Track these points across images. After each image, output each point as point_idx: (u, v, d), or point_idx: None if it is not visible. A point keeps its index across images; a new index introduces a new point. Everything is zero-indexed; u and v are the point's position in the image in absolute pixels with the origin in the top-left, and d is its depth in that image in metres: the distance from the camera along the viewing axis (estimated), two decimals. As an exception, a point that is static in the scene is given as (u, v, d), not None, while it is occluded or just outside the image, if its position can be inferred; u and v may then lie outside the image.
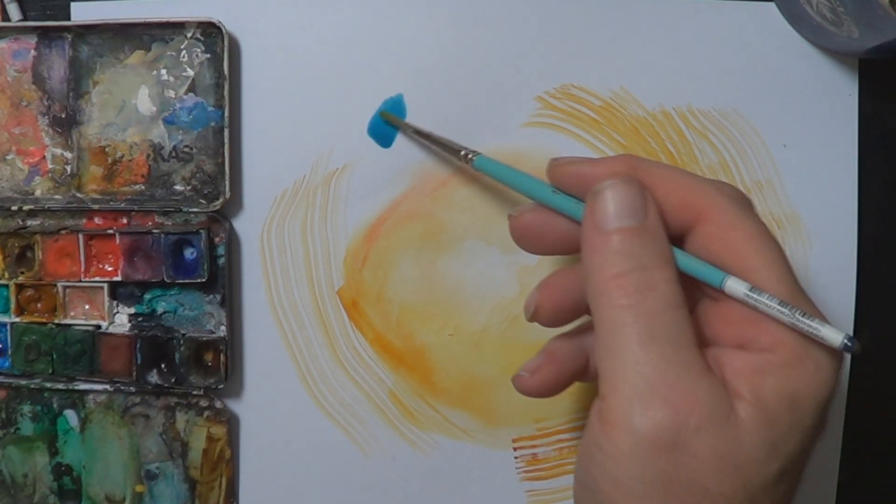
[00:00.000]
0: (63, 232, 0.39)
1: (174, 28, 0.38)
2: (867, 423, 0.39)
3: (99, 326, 0.39)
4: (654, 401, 0.24)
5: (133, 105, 0.39)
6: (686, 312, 0.25)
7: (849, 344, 0.24)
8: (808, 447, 0.25)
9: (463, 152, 0.34)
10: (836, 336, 0.24)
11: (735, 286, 0.25)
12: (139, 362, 0.39)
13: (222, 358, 0.39)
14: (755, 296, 0.25)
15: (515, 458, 0.40)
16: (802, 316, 0.24)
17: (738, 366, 0.25)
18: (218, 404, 0.39)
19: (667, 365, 0.24)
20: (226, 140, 0.38)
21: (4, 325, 0.40)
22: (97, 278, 0.39)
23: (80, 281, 0.39)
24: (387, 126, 0.39)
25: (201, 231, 0.38)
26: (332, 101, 0.39)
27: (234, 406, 0.40)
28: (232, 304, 0.39)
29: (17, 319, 0.40)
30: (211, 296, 0.39)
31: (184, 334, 0.39)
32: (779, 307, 0.24)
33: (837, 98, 0.38)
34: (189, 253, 0.39)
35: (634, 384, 0.24)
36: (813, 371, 0.24)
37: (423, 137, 0.37)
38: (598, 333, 0.25)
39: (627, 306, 0.25)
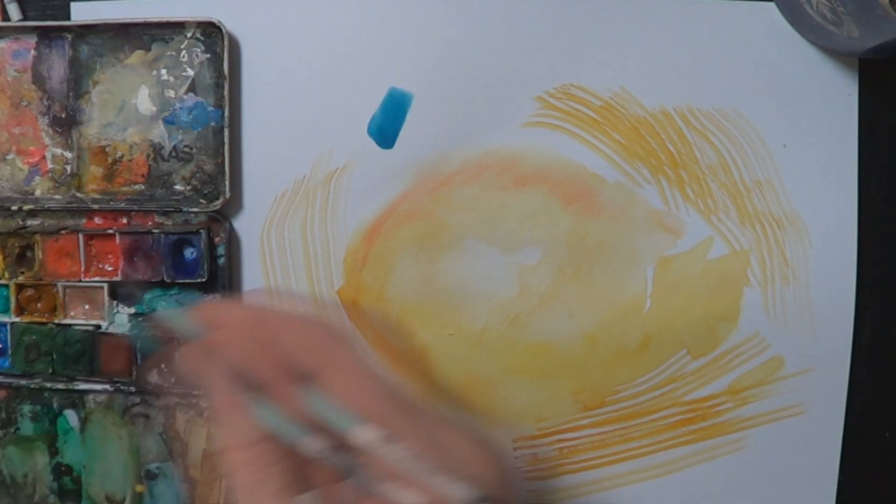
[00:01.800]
0: (63, 232, 0.39)
1: (174, 28, 0.38)
2: (867, 423, 0.39)
3: (99, 326, 0.39)
4: None
5: (133, 105, 0.39)
6: (280, 474, 0.26)
7: (477, 500, 0.23)
8: None
9: None
10: (461, 492, 0.23)
11: (361, 434, 0.25)
12: (139, 362, 0.39)
13: (222, 358, 0.39)
14: (381, 447, 0.24)
15: (515, 458, 0.40)
16: (424, 471, 0.24)
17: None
18: (218, 404, 0.39)
19: None
20: (226, 140, 0.38)
21: (4, 325, 0.40)
22: (97, 278, 0.39)
23: (80, 281, 0.39)
24: (390, 115, 0.39)
25: (201, 231, 0.38)
26: (332, 101, 0.39)
27: (234, 406, 0.40)
28: (232, 304, 0.39)
29: (17, 319, 0.40)
30: (211, 296, 0.39)
31: (184, 334, 0.39)
32: (401, 463, 0.24)
33: (837, 98, 0.38)
34: (189, 253, 0.39)
35: None
36: None
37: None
38: None
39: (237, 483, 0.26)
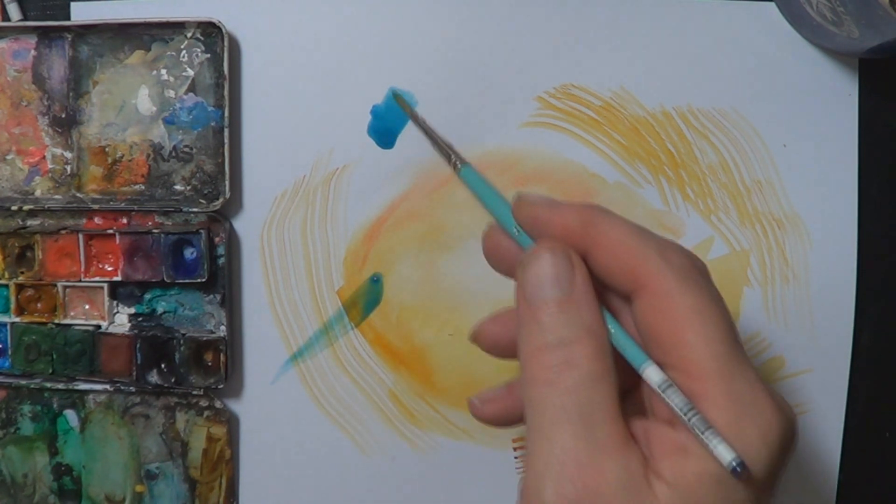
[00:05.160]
0: (63, 232, 0.39)
1: (174, 28, 0.38)
2: (867, 423, 0.39)
3: (99, 326, 0.39)
4: (563, 480, 0.24)
5: (133, 105, 0.39)
6: (608, 385, 0.25)
7: (737, 469, 0.23)
8: None
9: (452, 158, 0.33)
10: (726, 455, 0.23)
11: (652, 375, 0.25)
12: (139, 362, 0.39)
13: (222, 358, 0.39)
14: (665, 391, 0.24)
15: (515, 458, 0.40)
16: (700, 425, 0.23)
17: (664, 443, 0.24)
18: (218, 404, 0.39)
19: (577, 442, 0.24)
20: (226, 140, 0.38)
21: (4, 325, 0.40)
22: (97, 278, 0.39)
23: (80, 281, 0.39)
24: (390, 116, 0.38)
25: (201, 231, 0.38)
26: (332, 101, 0.39)
27: (234, 406, 0.40)
28: (232, 304, 0.39)
29: (17, 319, 0.40)
30: (211, 296, 0.39)
31: (184, 334, 0.39)
32: (681, 411, 0.24)
33: (837, 98, 0.38)
34: (189, 253, 0.39)
35: (546, 462, 0.24)
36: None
37: (424, 131, 0.35)
38: (524, 406, 0.25)
39: (545, 382, 0.25)
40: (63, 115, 0.39)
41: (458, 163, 0.33)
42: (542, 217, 0.28)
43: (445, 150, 0.33)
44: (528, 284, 0.26)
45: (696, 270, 0.26)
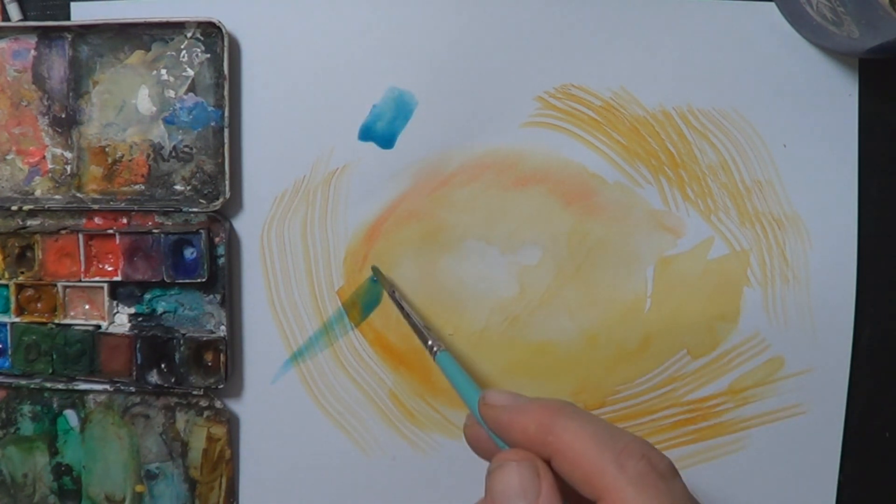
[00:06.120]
0: (63, 232, 0.39)
1: (174, 28, 0.38)
2: (867, 423, 0.39)
3: (99, 326, 0.39)
4: None
5: (133, 105, 0.39)
6: None
7: None
8: None
9: (430, 342, 0.35)
10: None
11: None
12: (139, 362, 0.39)
13: (222, 358, 0.39)
14: None
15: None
16: None
17: None
18: (218, 404, 0.39)
19: None
20: (226, 140, 0.38)
21: (4, 325, 0.40)
22: (97, 278, 0.39)
23: (80, 281, 0.39)
24: (389, 115, 0.39)
25: (201, 231, 0.38)
26: (332, 101, 0.39)
27: (234, 406, 0.40)
28: (232, 304, 0.39)
29: (17, 319, 0.40)
30: (211, 296, 0.39)
31: (184, 334, 0.39)
32: None
33: (837, 98, 0.38)
34: (189, 253, 0.39)
35: None
36: None
37: (402, 311, 0.37)
38: None
39: None
40: (63, 115, 0.39)
41: (435, 348, 0.34)
42: (503, 422, 0.29)
43: (423, 332, 0.35)
44: (494, 494, 0.27)
45: (654, 475, 0.26)
